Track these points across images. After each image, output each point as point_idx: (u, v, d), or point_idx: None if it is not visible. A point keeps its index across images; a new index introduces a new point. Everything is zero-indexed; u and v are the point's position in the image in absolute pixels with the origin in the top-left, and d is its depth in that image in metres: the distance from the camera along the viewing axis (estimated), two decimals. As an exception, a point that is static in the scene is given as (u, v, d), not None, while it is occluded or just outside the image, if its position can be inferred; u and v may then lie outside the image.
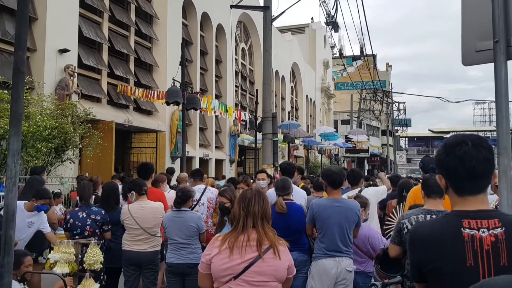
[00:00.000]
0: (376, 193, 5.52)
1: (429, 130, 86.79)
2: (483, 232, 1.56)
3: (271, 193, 5.19)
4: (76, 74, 12.68)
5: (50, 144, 9.45)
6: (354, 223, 3.94)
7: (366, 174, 35.15)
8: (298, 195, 5.36)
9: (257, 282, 2.40)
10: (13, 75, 3.66)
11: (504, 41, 2.18)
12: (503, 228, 1.57)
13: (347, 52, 61.20)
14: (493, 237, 1.55)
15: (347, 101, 44.84)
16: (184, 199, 4.35)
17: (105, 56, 14.93)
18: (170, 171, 8.67)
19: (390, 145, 48.88)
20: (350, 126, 41.98)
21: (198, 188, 5.71)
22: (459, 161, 1.60)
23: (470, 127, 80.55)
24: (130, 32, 16.56)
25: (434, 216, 2.95)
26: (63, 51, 12.19)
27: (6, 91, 8.86)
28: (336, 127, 47.74)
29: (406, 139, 72.06)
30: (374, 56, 43.14)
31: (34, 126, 9.00)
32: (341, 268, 3.83)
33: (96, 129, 11.35)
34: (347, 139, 37.01)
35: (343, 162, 43.77)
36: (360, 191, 5.18)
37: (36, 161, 8.94)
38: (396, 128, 57.08)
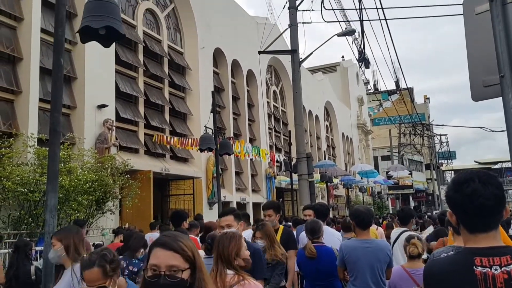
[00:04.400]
0: None
1: (475, 161, 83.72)
2: (496, 269, 1.54)
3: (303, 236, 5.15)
4: (114, 128, 13.23)
5: (91, 197, 9.77)
6: (385, 263, 3.85)
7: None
8: (333, 237, 5.19)
9: None
10: (50, 135, 3.94)
11: (510, 75, 2.17)
12: None
13: (382, 87, 61.04)
14: (506, 274, 1.52)
15: (386, 136, 44.26)
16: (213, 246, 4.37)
17: (141, 108, 15.56)
18: (198, 218, 8.87)
19: (435, 180, 47.31)
20: (391, 161, 41.13)
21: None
22: (468, 198, 1.60)
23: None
24: (164, 84, 17.27)
25: None
26: (102, 106, 12.81)
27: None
28: (376, 163, 46.91)
29: (452, 172, 69.60)
30: (409, 90, 42.73)
31: (76, 180, 9.37)
32: (375, 310, 3.73)
33: (134, 179, 11.67)
34: (389, 176, 36.15)
35: (387, 199, 42.59)
36: (403, 231, 5.06)
37: (78, 214, 9.23)
38: (440, 161, 55.41)
